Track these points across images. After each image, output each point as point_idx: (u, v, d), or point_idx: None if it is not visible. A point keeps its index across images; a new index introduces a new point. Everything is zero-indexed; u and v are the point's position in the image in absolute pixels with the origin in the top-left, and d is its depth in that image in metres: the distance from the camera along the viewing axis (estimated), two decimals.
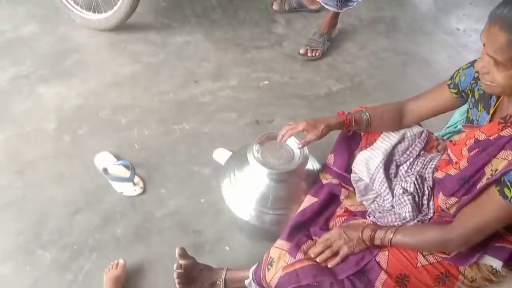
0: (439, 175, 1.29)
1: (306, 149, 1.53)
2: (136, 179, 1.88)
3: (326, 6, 2.47)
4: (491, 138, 1.13)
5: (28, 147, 2.02)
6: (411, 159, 1.47)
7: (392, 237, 1.23)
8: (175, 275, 1.43)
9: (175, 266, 1.44)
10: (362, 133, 1.53)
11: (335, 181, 1.52)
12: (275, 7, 2.93)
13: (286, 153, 1.55)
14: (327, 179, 1.54)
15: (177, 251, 1.46)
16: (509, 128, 1.09)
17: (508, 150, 1.07)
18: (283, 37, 2.78)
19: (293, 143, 1.55)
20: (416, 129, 1.49)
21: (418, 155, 1.48)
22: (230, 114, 2.25)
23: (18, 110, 2.20)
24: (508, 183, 1.02)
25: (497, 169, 1.06)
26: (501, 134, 1.10)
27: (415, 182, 1.40)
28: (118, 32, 2.67)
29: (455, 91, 1.33)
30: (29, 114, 2.18)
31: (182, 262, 1.46)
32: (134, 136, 2.10)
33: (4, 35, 2.65)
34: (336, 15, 2.61)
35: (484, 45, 1.03)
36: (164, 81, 2.41)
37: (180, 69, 2.49)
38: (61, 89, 2.32)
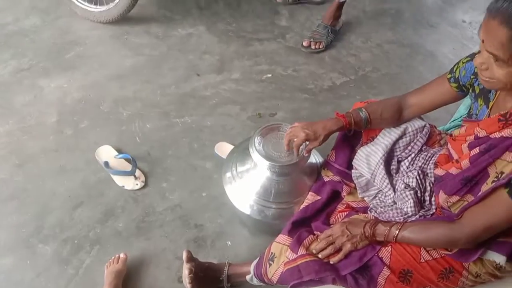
0: (439, 172, 1.27)
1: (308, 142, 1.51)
2: (138, 172, 1.87)
3: None
4: (491, 136, 1.11)
5: (29, 140, 2.01)
6: (413, 155, 1.45)
7: (397, 234, 1.21)
8: (188, 280, 1.42)
9: (186, 271, 1.42)
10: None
11: (336, 178, 1.51)
12: None
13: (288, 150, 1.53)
14: (328, 176, 1.52)
15: (184, 254, 1.45)
16: (511, 128, 1.07)
17: None
18: (286, 29, 2.75)
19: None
20: (418, 123, 1.46)
21: (420, 150, 1.46)
22: (233, 107, 2.23)
23: (20, 103, 2.19)
24: None
25: (503, 172, 1.04)
26: (505, 136, 1.08)
27: (417, 177, 1.38)
28: (120, 24, 2.65)
29: (455, 85, 1.30)
30: (30, 107, 2.17)
31: (190, 265, 1.45)
32: (136, 129, 2.08)
33: (6, 28, 2.64)
34: (340, 7, 2.57)
35: (482, 41, 0.99)
36: (166, 74, 2.39)
37: (182, 61, 2.47)
38: (62, 82, 2.31)
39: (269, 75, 2.42)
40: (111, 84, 2.31)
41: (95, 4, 2.63)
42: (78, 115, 2.13)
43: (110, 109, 2.17)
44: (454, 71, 1.31)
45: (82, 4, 2.65)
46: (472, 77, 1.25)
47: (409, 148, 1.46)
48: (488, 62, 1.01)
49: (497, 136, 1.10)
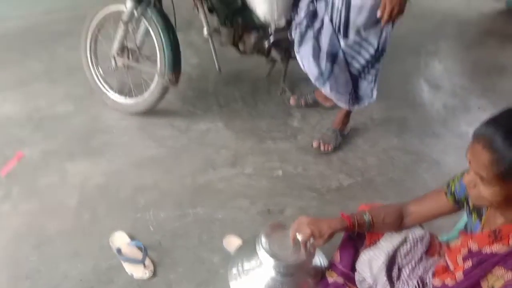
0: (436, 283, 1.33)
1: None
2: (147, 261, 1.93)
3: (338, 103, 2.65)
4: (483, 251, 1.19)
5: (48, 222, 2.12)
6: (413, 262, 1.51)
7: None
8: None
9: None
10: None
11: (340, 279, 1.56)
12: (292, 102, 3.13)
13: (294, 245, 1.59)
14: (332, 277, 1.57)
15: None
16: (499, 244, 1.16)
17: (502, 268, 1.13)
18: (298, 130, 2.94)
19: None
20: (418, 232, 1.54)
21: (420, 259, 1.52)
22: (244, 201, 2.34)
23: (44, 184, 2.34)
24: None
25: (494, 286, 1.11)
26: (494, 252, 1.16)
27: (416, 286, 1.43)
28: (147, 116, 2.87)
29: (452, 198, 1.41)
30: (53, 188, 2.31)
31: None
32: (150, 217, 2.19)
33: (41, 111, 2.88)
34: (348, 113, 2.78)
35: (469, 162, 1.12)
36: (185, 165, 2.55)
37: (200, 154, 2.64)
38: (87, 166, 2.47)
39: (280, 172, 2.56)
40: (132, 172, 2.46)
41: (126, 96, 2.88)
42: (97, 200, 2.26)
43: (128, 196, 2.30)
44: (450, 185, 1.42)
45: (114, 95, 2.91)
46: (466, 192, 1.36)
47: (410, 256, 1.53)
48: (475, 181, 1.13)
49: (487, 252, 1.18)
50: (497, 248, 1.17)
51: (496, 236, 1.18)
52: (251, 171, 2.56)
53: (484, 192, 1.12)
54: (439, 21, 4.62)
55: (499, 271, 1.14)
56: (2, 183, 2.34)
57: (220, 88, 3.27)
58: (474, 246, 1.24)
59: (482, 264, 1.18)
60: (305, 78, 2.67)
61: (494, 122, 1.09)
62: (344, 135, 2.83)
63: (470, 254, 1.24)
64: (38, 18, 3.90)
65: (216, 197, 2.35)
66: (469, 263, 1.23)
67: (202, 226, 2.17)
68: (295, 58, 2.97)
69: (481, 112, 3.33)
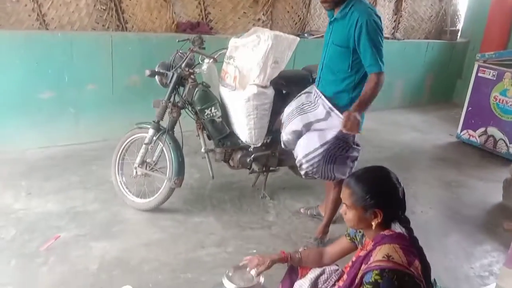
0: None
1: (262, 278, 2.29)
2: None
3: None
4: (356, 257, 1.94)
5: (74, 280, 2.84)
6: (329, 286, 2.21)
7: None
8: None
9: None
10: (299, 268, 2.32)
11: None
12: (302, 211, 3.96)
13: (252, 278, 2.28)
14: None
15: None
16: (363, 250, 1.92)
17: (364, 264, 1.87)
18: (273, 223, 3.75)
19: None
20: (334, 267, 2.27)
21: (334, 284, 2.22)
22: (223, 269, 2.98)
23: (73, 255, 3.10)
24: (365, 283, 1.78)
25: (361, 275, 1.84)
26: (360, 255, 1.92)
27: None
28: (155, 212, 3.73)
29: (349, 238, 2.19)
30: (80, 258, 3.07)
31: None
32: (151, 279, 2.89)
33: (75, 209, 3.74)
34: (328, 224, 3.52)
35: (341, 199, 1.97)
36: (180, 245, 3.31)
37: (193, 238, 3.42)
38: (106, 245, 3.25)
39: (255, 251, 3.29)
40: (140, 249, 3.23)
41: (140, 197, 3.79)
42: (112, 266, 2.99)
43: (136, 265, 3.04)
44: (347, 230, 2.20)
45: (132, 197, 3.81)
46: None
47: (327, 282, 2.23)
48: (345, 210, 1.95)
49: (357, 256, 1.93)
50: (362, 253, 1.92)
51: (362, 247, 1.95)
52: (232, 250, 3.30)
53: (348, 215, 1.93)
54: (396, 150, 5.69)
55: (362, 266, 1.87)
56: (42, 254, 3.10)
57: (214, 194, 4.17)
58: (354, 258, 1.99)
59: (355, 264, 1.92)
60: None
61: (353, 173, 1.97)
62: (324, 243, 3.46)
63: (352, 262, 1.99)
64: (78, 147, 5.04)
65: (203, 266, 3.07)
66: (350, 266, 1.97)
67: (189, 286, 2.85)
68: (273, 171, 3.97)
69: (424, 215, 4.11)
